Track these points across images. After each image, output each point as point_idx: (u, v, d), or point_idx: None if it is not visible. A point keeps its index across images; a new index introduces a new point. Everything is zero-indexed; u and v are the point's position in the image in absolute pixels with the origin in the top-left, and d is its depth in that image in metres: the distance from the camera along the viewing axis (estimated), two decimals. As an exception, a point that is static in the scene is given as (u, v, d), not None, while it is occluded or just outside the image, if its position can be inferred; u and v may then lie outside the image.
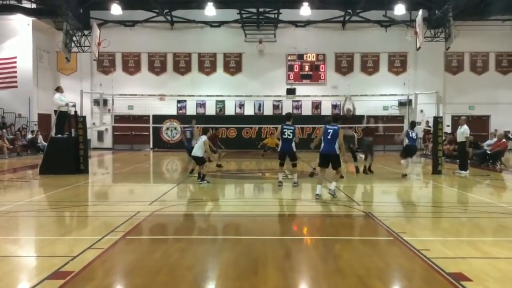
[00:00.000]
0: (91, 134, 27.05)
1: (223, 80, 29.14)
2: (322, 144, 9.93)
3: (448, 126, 27.21)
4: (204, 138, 12.35)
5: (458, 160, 19.56)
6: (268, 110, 29.20)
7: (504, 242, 6.22)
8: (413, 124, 14.66)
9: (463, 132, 14.87)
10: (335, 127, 10.00)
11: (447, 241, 6.19)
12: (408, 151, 14.33)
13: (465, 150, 15.07)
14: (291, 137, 11.35)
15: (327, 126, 10.03)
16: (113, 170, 18.44)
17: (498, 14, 25.84)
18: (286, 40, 28.73)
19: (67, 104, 15.38)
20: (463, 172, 14.62)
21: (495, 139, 18.45)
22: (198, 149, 12.15)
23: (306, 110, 28.87)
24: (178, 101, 29.04)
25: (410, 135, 14.17)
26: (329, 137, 9.85)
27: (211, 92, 25.99)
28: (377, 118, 19.71)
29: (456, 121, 28.48)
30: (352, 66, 29.59)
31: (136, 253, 5.78)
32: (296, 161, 11.73)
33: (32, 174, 15.15)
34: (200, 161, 12.24)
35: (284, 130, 11.38)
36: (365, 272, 4.91)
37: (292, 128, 11.42)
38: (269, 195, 11.09)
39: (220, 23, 29.07)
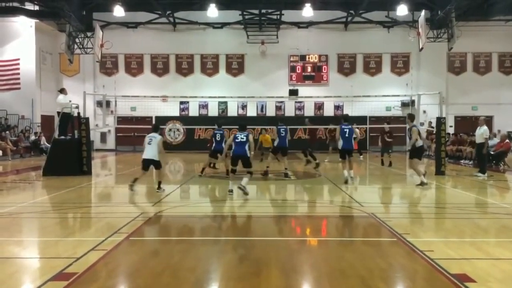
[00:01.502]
0: (94, 136, 27.10)
1: (226, 81, 29.16)
2: (341, 142, 12.03)
3: (451, 126, 27.19)
4: (159, 137, 10.91)
5: (462, 161, 19.66)
6: (270, 111, 29.19)
7: (508, 243, 6.20)
8: (413, 117, 12.76)
9: (483, 133, 14.27)
10: (349, 127, 12.28)
11: (450, 242, 6.17)
12: (421, 152, 12.76)
13: (482, 152, 14.51)
14: (244, 140, 10.39)
15: (343, 126, 12.22)
16: (116, 171, 18.46)
17: (501, 14, 25.78)
18: (288, 41, 28.72)
19: (70, 101, 15.41)
20: (480, 175, 14.19)
21: (495, 139, 18.38)
22: (155, 151, 10.68)
23: (309, 111, 28.83)
24: (181, 102, 29.05)
25: (421, 133, 12.65)
26: (346, 135, 12.14)
27: (213, 93, 26.02)
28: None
29: (459, 121, 28.56)
30: (355, 67, 29.56)
31: (139, 254, 5.78)
32: (251, 168, 10.56)
33: (35, 176, 15.17)
34: (158, 165, 10.86)
35: (237, 135, 10.54)
36: (368, 273, 4.90)
37: (246, 133, 10.57)
38: (272, 196, 11.09)
39: (223, 25, 29.08)
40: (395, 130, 26.90)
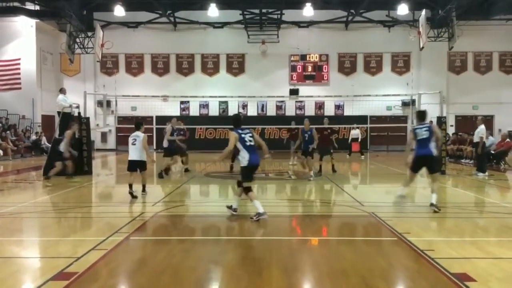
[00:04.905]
0: (95, 136, 27.12)
1: (226, 81, 29.16)
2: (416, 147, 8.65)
3: (451, 126, 27.16)
4: (142, 135, 10.00)
5: (463, 160, 19.66)
6: (271, 111, 29.20)
7: (508, 243, 6.20)
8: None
9: (479, 132, 14.32)
10: (428, 125, 8.73)
11: (451, 242, 6.18)
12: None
13: (481, 151, 14.41)
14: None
15: (416, 128, 8.66)
16: (117, 171, 18.45)
17: (502, 13, 25.77)
18: (289, 41, 28.71)
19: (70, 106, 15.42)
20: (480, 174, 14.15)
21: (491, 138, 18.35)
22: (140, 151, 9.95)
23: (309, 111, 28.83)
24: (181, 102, 29.05)
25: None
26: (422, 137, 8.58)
27: (214, 93, 26.00)
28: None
29: (460, 121, 28.56)
30: (355, 66, 29.54)
31: (140, 254, 5.79)
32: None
33: (36, 176, 15.18)
34: (144, 166, 10.14)
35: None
36: (369, 272, 4.90)
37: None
38: (272, 196, 11.09)
39: (223, 24, 29.08)
40: (396, 130, 26.95)
